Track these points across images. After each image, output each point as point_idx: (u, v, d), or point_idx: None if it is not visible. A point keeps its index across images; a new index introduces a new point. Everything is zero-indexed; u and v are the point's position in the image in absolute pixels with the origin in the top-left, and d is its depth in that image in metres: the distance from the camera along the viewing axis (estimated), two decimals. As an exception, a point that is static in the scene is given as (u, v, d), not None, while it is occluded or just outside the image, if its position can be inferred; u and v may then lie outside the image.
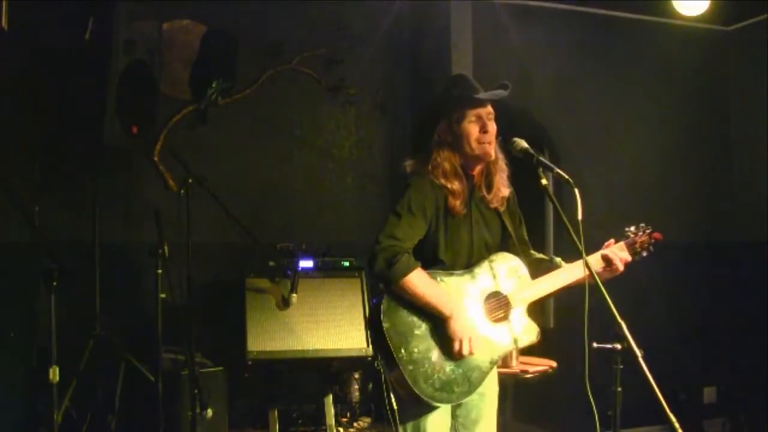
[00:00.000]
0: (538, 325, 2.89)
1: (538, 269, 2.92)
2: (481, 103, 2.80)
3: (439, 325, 2.70)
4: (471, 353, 2.68)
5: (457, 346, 2.67)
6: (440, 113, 2.83)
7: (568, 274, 2.83)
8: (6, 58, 4.21)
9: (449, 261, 2.80)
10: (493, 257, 2.86)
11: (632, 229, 2.99)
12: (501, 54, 5.26)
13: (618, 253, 2.88)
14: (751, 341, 5.55)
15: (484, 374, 2.76)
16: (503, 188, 2.89)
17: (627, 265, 2.89)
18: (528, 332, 2.85)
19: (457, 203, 2.78)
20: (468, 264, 2.83)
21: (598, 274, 2.81)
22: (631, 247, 2.94)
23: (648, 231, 2.98)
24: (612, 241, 2.94)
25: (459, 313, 2.70)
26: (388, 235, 2.67)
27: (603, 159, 5.56)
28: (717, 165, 6.01)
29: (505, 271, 2.86)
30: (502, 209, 2.92)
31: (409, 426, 2.75)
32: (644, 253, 2.97)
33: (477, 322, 2.76)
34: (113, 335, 4.24)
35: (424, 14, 5.25)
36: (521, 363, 4.07)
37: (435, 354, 2.67)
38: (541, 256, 3.03)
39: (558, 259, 2.94)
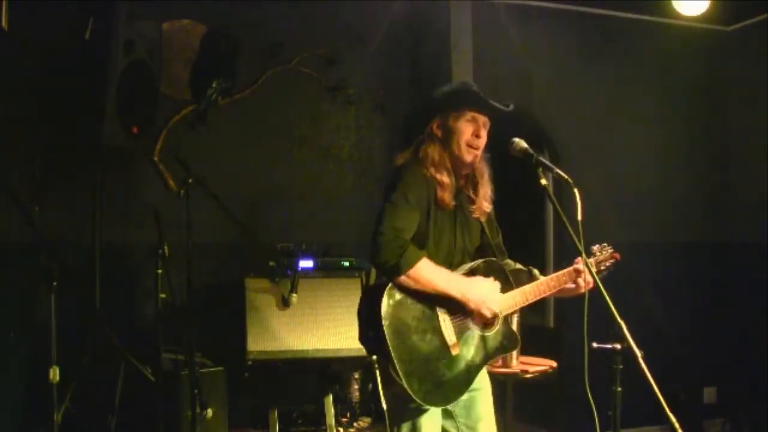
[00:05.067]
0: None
1: (515, 279, 2.90)
2: (481, 110, 2.81)
3: (435, 325, 2.68)
4: (497, 315, 2.71)
5: (485, 314, 2.69)
6: (440, 106, 2.82)
7: (552, 282, 2.85)
8: (6, 58, 4.21)
9: (432, 257, 2.74)
10: (476, 263, 2.83)
11: (596, 246, 3.01)
12: (501, 54, 5.26)
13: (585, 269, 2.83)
14: (751, 341, 5.55)
15: (473, 376, 2.75)
16: (486, 203, 2.91)
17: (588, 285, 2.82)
18: (509, 340, 2.84)
19: (445, 195, 2.77)
20: (447, 265, 2.78)
21: (564, 290, 2.86)
22: (596, 265, 2.95)
23: (610, 251, 3.01)
24: (579, 259, 2.87)
25: (472, 289, 2.69)
26: (390, 226, 2.62)
27: (603, 159, 5.56)
28: (717, 165, 6.00)
29: (489, 278, 2.81)
30: (483, 220, 2.94)
31: (405, 427, 2.72)
32: (605, 272, 2.98)
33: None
34: (113, 335, 4.24)
35: (424, 14, 5.25)
36: (521, 363, 4.07)
37: (430, 355, 2.65)
38: (519, 266, 3.03)
39: (536, 271, 2.96)
